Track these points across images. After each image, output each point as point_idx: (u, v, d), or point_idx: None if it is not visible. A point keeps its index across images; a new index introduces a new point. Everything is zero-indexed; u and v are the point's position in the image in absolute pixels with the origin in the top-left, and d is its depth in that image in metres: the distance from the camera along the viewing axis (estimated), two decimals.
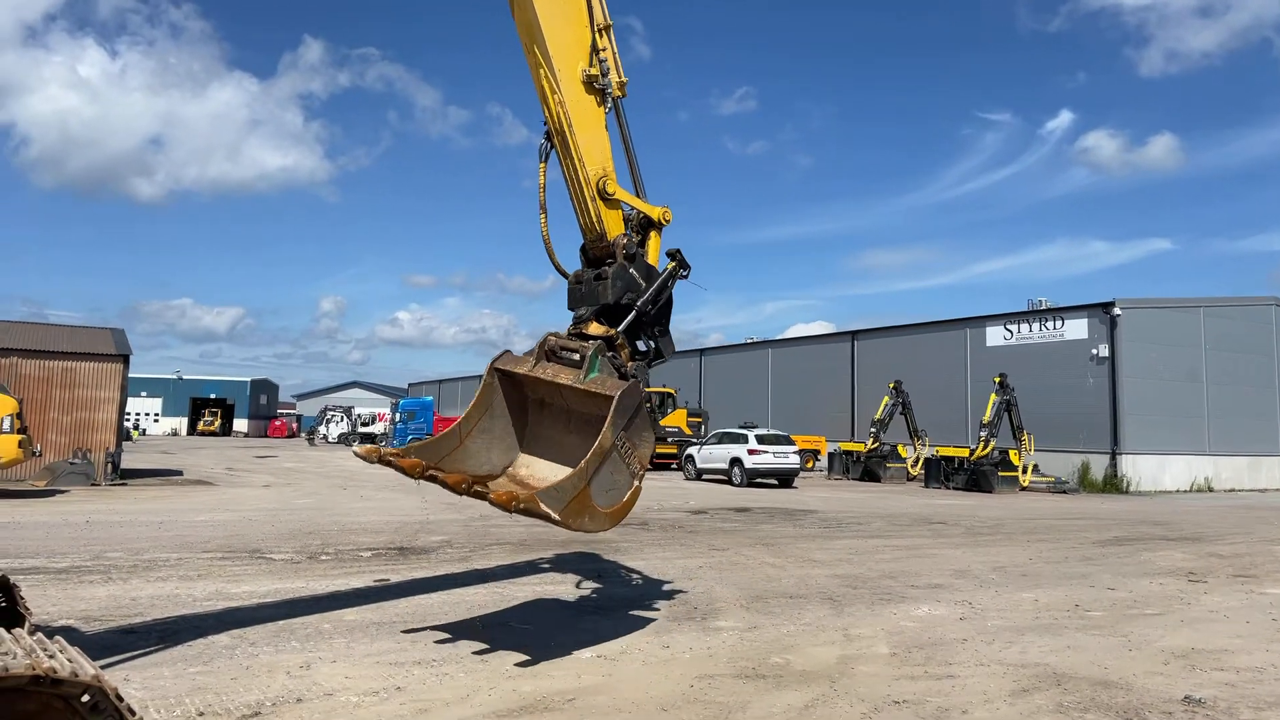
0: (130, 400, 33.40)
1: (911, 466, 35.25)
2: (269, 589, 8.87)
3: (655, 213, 7.33)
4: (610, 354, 6.71)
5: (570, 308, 7.29)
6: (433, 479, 5.85)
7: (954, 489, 31.03)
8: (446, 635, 7.01)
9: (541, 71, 6.80)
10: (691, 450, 33.09)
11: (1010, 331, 38.56)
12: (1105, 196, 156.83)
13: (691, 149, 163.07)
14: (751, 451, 29.58)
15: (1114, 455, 33.81)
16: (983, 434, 30.90)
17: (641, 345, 7.36)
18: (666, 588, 9.63)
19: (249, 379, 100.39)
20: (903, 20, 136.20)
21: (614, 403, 6.05)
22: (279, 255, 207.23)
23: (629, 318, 7.07)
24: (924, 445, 35.74)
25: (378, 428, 66.51)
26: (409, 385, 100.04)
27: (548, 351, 6.78)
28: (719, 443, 31.67)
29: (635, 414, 6.34)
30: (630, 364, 6.95)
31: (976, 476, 30.59)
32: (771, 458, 29.63)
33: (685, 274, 7.48)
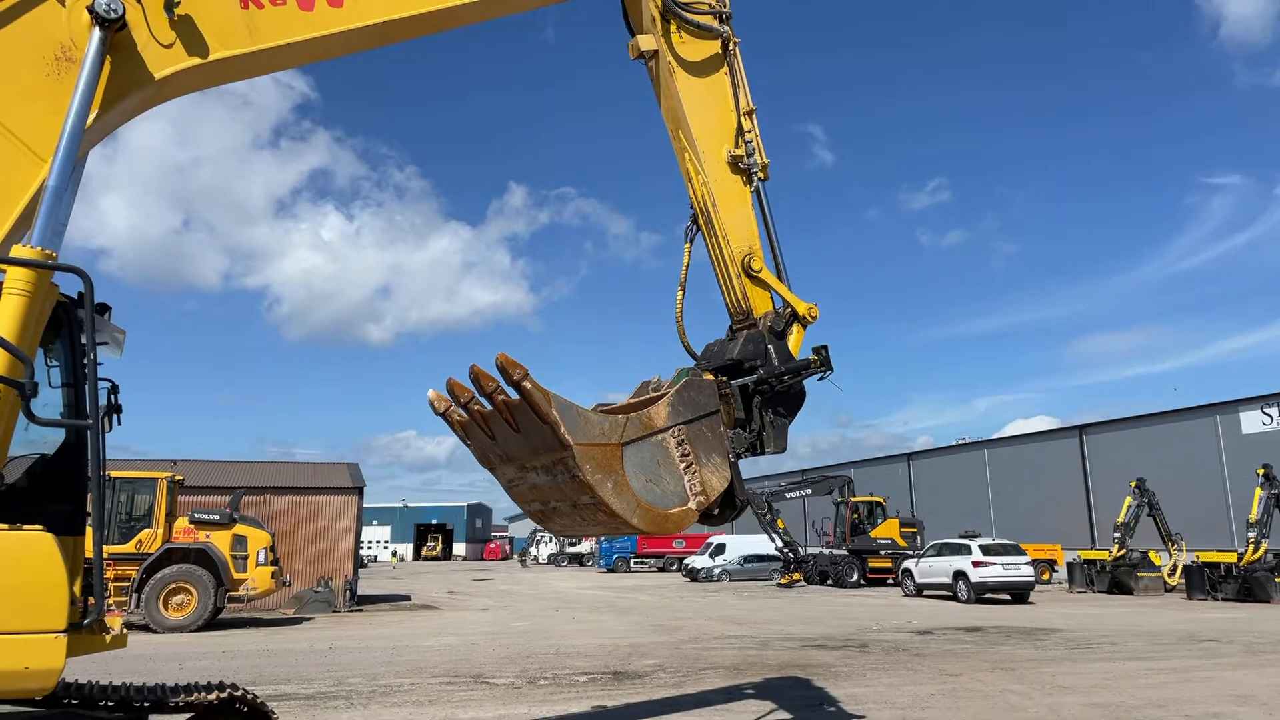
0: (363, 529, 36.04)
1: (1168, 575, 31.24)
2: (494, 715, 9.00)
3: (801, 307, 7.05)
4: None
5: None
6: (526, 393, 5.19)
7: (1223, 599, 27.11)
8: None
9: (686, 155, 7.00)
10: (908, 564, 31.14)
11: (1270, 416, 34.08)
12: None
13: (884, 246, 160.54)
14: (977, 564, 27.36)
15: None
16: (1251, 535, 27.03)
17: (748, 418, 6.80)
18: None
19: (465, 504, 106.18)
20: (1103, 83, 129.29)
21: (676, 385, 5.70)
22: None
23: (747, 378, 6.70)
24: (1180, 550, 31.69)
25: (584, 547, 67.86)
26: None
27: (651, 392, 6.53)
28: (938, 555, 29.61)
29: (702, 416, 5.86)
30: (731, 431, 6.40)
31: (1250, 584, 26.63)
32: (1000, 570, 27.25)
33: (825, 373, 6.95)
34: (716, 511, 6.37)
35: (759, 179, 7.16)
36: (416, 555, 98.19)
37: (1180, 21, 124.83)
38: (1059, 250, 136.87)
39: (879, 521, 37.07)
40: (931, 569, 29.39)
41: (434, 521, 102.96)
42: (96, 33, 4.71)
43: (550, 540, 72.29)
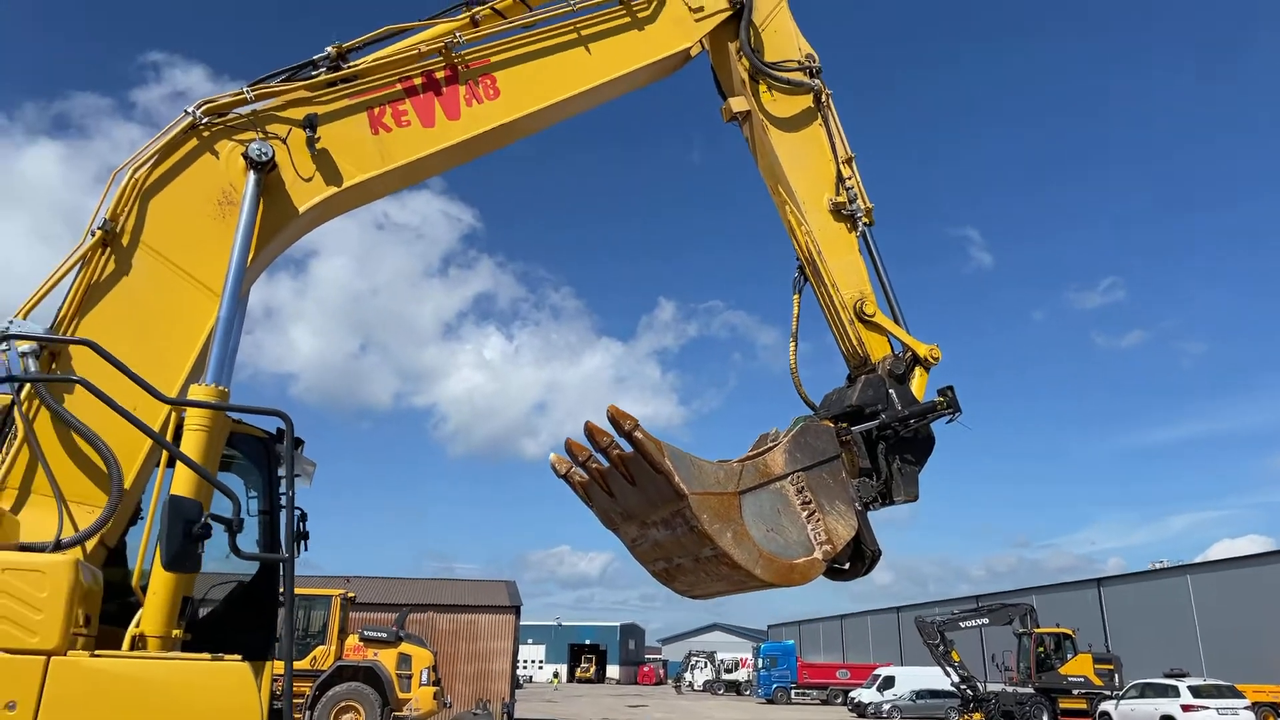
0: (519, 648, 36.10)
1: None
2: None
3: (922, 349, 6.78)
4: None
5: None
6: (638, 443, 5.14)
7: None
8: None
9: (787, 207, 7.01)
10: (1106, 706, 28.02)
11: None
12: None
13: (1053, 348, 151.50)
14: (1187, 708, 24.35)
15: None
16: None
17: (874, 466, 6.38)
18: None
19: (618, 624, 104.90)
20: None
21: (793, 430, 5.39)
22: None
23: (869, 424, 6.31)
24: None
25: (741, 674, 65.07)
26: (768, 627, 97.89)
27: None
28: (1141, 696, 26.55)
29: (822, 462, 5.60)
30: (855, 480, 6.02)
31: None
32: (1215, 715, 24.13)
33: (953, 415, 6.54)
34: (847, 565, 6.14)
35: (864, 224, 7.07)
36: (570, 676, 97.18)
37: None
38: (1252, 348, 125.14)
39: (1069, 656, 33.54)
40: (1134, 713, 26.38)
41: (587, 641, 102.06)
42: (252, 176, 5.23)
43: (705, 665, 69.85)
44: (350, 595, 21.79)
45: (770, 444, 5.93)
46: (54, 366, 4.74)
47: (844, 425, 6.26)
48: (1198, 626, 42.05)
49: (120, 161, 5.27)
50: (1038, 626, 34.71)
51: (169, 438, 4.65)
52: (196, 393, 4.70)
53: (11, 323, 4.67)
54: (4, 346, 4.60)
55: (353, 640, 20.77)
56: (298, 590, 21.99)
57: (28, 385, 4.54)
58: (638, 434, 4.99)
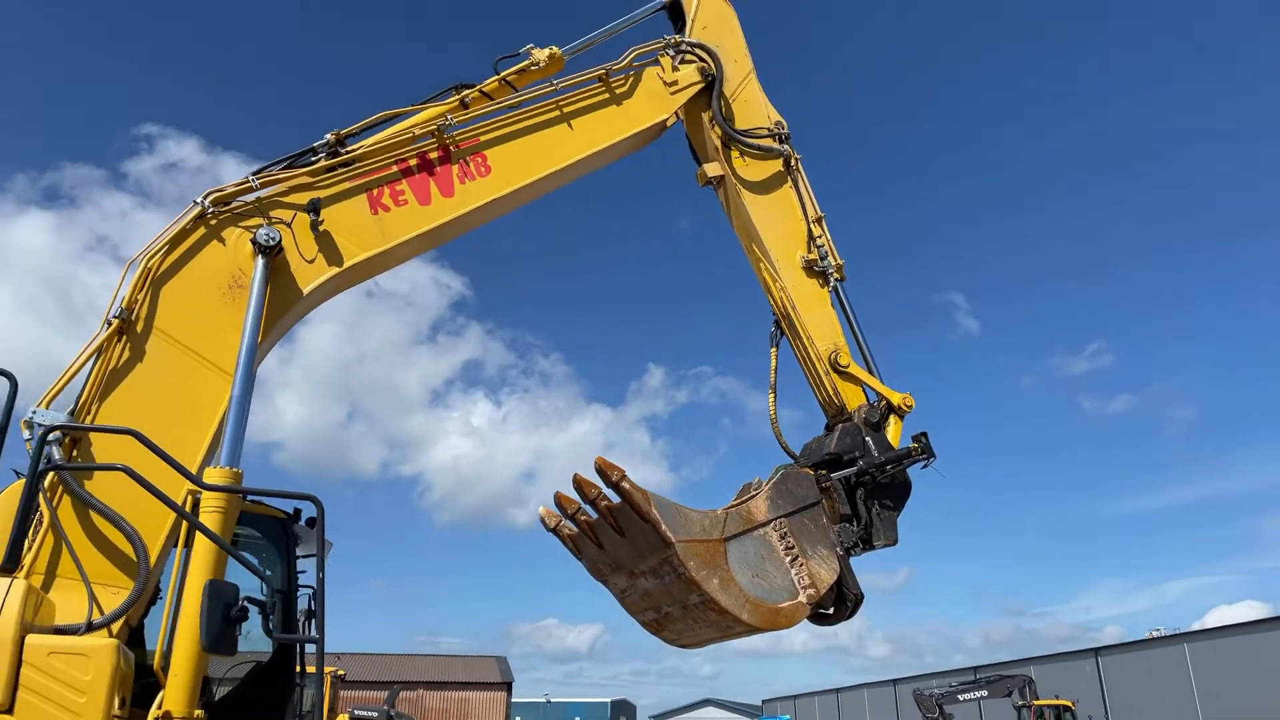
0: None
1: None
2: None
3: (895, 397, 7.06)
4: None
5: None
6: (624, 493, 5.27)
7: None
8: None
9: (761, 264, 7.37)
10: None
11: None
12: None
13: (1041, 415, 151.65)
14: None
15: None
16: None
17: (854, 512, 6.55)
18: None
19: (609, 699, 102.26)
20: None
21: (775, 478, 5.57)
22: None
23: (847, 470, 6.51)
24: None
25: None
26: (763, 702, 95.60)
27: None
28: None
29: (803, 508, 5.77)
30: (836, 525, 6.18)
31: None
32: None
33: (928, 460, 6.74)
34: (831, 610, 6.29)
35: (835, 279, 7.43)
36: None
37: None
38: (1239, 413, 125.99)
39: None
40: None
41: (577, 719, 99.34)
42: (260, 260, 5.49)
43: None
44: (340, 673, 21.35)
45: (753, 492, 6.10)
46: (75, 454, 4.83)
47: (823, 472, 6.44)
48: (1196, 696, 41.42)
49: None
50: (1037, 698, 34.11)
51: (175, 521, 4.75)
52: (214, 475, 4.82)
53: (35, 412, 4.79)
54: (27, 435, 4.70)
55: (343, 719, 20.28)
56: None
57: (50, 473, 4.62)
58: (624, 484, 5.14)
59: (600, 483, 5.28)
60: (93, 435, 4.84)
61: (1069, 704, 34.19)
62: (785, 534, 5.74)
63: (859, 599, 6.22)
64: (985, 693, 34.60)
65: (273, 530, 5.38)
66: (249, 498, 5.03)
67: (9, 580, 4.10)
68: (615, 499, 5.33)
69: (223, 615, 3.93)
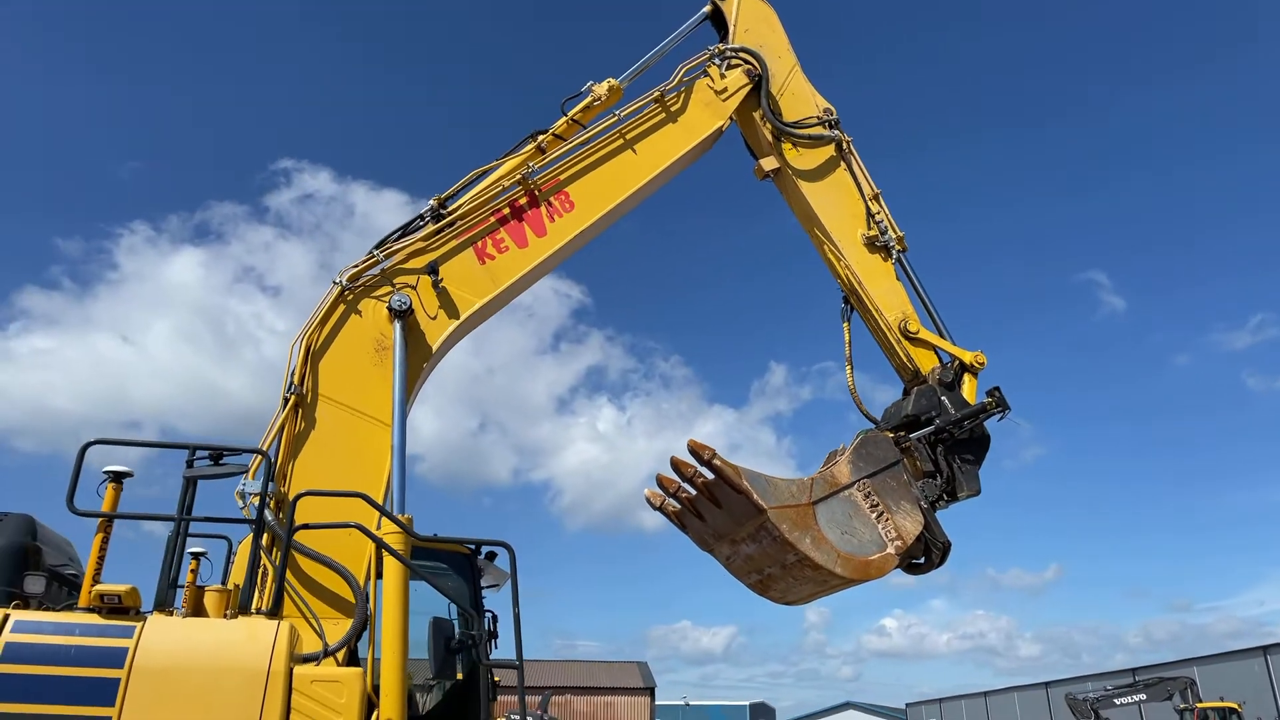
0: None
1: None
2: None
3: (967, 356, 7.37)
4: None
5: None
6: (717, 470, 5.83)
7: None
8: None
9: (825, 246, 7.78)
10: None
11: None
12: None
13: (1200, 393, 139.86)
14: None
15: None
16: None
17: (936, 467, 6.93)
18: None
19: (748, 702, 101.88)
20: None
21: (854, 442, 5.95)
22: None
23: (925, 430, 6.89)
24: None
25: None
26: (906, 705, 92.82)
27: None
28: None
29: (884, 468, 6.18)
30: (920, 481, 6.61)
31: None
32: None
33: (1003, 413, 7.08)
34: (922, 559, 6.75)
35: (897, 251, 7.79)
36: None
37: None
38: None
39: None
40: None
41: None
42: (398, 324, 6.29)
43: None
44: (496, 679, 22.68)
45: (837, 458, 6.66)
46: (280, 514, 5.62)
47: (903, 434, 6.96)
48: None
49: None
50: (1200, 701, 32.36)
51: (371, 560, 5.51)
52: (392, 526, 5.42)
53: (245, 483, 5.60)
54: (242, 504, 5.50)
55: None
56: None
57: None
58: (716, 461, 5.77)
59: (695, 462, 5.91)
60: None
61: (1235, 706, 32.04)
62: (869, 493, 6.25)
63: (947, 546, 6.67)
64: (1144, 696, 32.83)
65: (459, 563, 6.10)
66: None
67: (275, 622, 4.91)
68: (710, 475, 5.95)
69: (445, 646, 4.80)
